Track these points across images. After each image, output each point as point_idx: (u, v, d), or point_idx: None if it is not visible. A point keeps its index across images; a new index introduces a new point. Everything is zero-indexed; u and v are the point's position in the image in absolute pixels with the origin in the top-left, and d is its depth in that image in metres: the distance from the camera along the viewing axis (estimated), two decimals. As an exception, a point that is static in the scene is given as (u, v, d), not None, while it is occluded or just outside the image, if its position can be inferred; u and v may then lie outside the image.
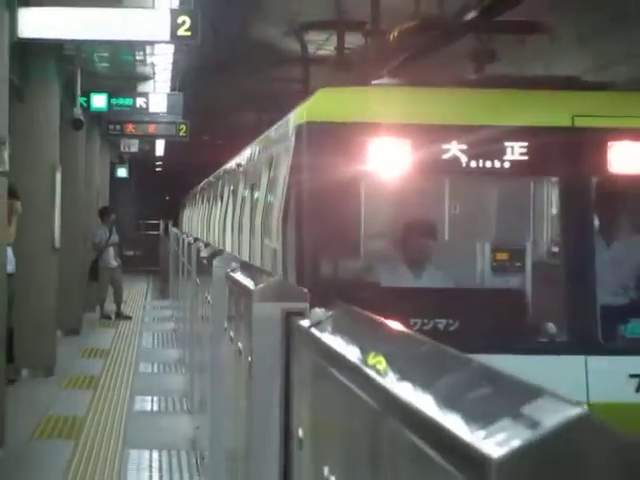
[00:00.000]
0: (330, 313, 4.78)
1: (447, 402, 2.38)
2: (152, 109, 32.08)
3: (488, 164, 13.57)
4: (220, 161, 32.65)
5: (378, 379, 2.97)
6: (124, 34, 17.45)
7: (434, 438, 2.24)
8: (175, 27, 16.71)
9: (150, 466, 13.54)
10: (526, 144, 13.60)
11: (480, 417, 2.09)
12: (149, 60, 24.90)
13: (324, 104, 14.58)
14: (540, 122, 13.92)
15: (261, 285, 6.33)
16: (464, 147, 13.26)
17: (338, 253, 14.04)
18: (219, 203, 30.06)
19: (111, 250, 32.58)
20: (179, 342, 22.54)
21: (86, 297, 29.96)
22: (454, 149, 13.27)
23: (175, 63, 26.44)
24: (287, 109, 20.91)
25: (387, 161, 13.41)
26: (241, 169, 25.62)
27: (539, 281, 14.66)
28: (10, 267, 16.13)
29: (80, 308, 28.43)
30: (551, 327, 13.79)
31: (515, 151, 13.57)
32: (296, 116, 14.73)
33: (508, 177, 14.88)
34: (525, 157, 13.67)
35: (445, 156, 13.32)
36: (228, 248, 24.97)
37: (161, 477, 13.00)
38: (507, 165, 13.60)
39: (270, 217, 16.11)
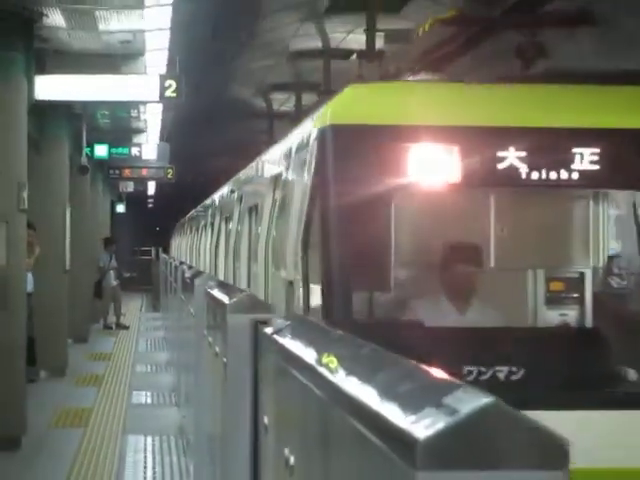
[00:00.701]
0: (289, 322, 4.78)
1: (383, 394, 2.37)
2: (145, 156, 32.15)
3: (553, 175, 9.91)
4: (201, 198, 32.64)
5: (328, 376, 2.97)
6: (121, 96, 17.55)
7: (373, 424, 2.23)
8: (163, 89, 16.69)
9: (145, 449, 13.49)
10: (599, 150, 10.01)
11: (409, 406, 2.09)
12: (142, 116, 24.88)
13: (353, 103, 10.59)
14: (616, 124, 10.32)
15: (234, 299, 6.31)
16: (523, 154, 9.71)
17: (373, 284, 10.21)
18: (204, 232, 29.53)
19: (112, 272, 32.57)
20: (168, 347, 22.40)
21: (92, 311, 29.85)
22: (512, 157, 9.69)
23: (163, 118, 26.42)
24: (255, 156, 20.74)
25: (430, 172, 9.65)
26: (234, 195, 21.32)
27: (611, 316, 11.19)
28: (30, 287, 16.09)
29: (87, 320, 28.23)
30: (632, 374, 9.83)
31: (585, 159, 9.99)
32: (317, 119, 10.68)
33: (576, 189, 11.16)
34: (597, 166, 10.03)
35: (500, 166, 9.69)
36: (221, 276, 20.85)
37: (154, 458, 12.96)
38: (575, 176, 9.97)
39: (282, 244, 11.66)
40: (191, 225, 35.16)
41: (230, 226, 21.14)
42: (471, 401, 1.95)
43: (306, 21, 20.14)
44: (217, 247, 23.51)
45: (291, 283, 10.22)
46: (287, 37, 21.69)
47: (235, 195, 20.74)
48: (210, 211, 27.24)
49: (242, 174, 20.56)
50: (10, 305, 13.68)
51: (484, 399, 1.92)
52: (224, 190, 24.36)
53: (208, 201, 29.25)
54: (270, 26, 20.67)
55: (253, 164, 18.38)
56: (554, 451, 1.85)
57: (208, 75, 23.12)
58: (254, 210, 15.99)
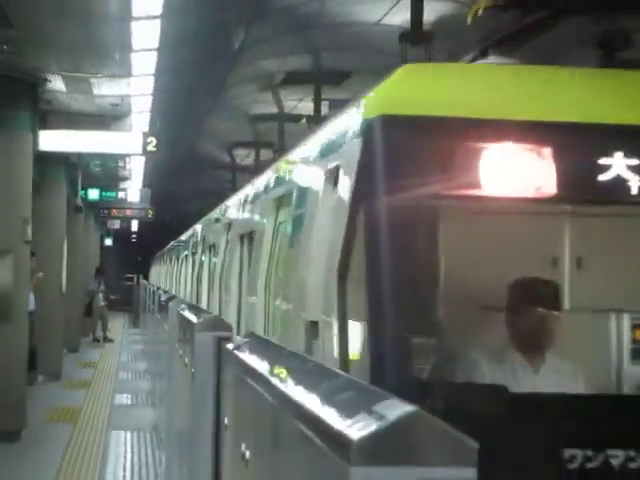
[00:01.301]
0: (246, 340, 4.76)
1: (323, 401, 2.36)
2: (129, 199, 32.20)
3: None
4: (175, 234, 32.56)
5: (278, 385, 2.95)
6: (111, 149, 17.53)
7: (314, 426, 2.22)
8: (145, 144, 16.65)
9: (125, 442, 13.44)
10: None
11: (345, 412, 2.08)
12: (127, 166, 24.91)
13: (409, 88, 6.96)
14: None
15: (200, 319, 6.29)
16: (635, 162, 6.20)
17: (432, 328, 6.92)
18: (178, 262, 29.14)
19: (100, 295, 32.46)
20: (146, 358, 22.19)
21: (83, 326, 29.75)
22: (619, 165, 6.24)
23: (145, 168, 26.37)
24: (221, 200, 20.60)
25: (512, 183, 6.25)
26: (219, 224, 17.00)
27: None
28: (31, 306, 16.00)
29: (79, 334, 28.02)
30: None
31: None
32: (362, 109, 7.01)
33: None
34: None
35: (603, 176, 6.22)
36: (191, 300, 18.65)
37: (133, 450, 12.93)
38: None
39: (296, 274, 7.94)
40: (166, 256, 35.03)
41: (207, 257, 18.96)
42: (397, 408, 1.96)
43: (264, 91, 20.16)
44: (192, 276, 21.31)
45: (314, 324, 6.56)
46: (248, 103, 21.71)
47: (220, 224, 16.85)
48: (183, 245, 27.03)
49: (231, 200, 16.57)
50: (14, 320, 13.62)
51: (408, 407, 1.92)
52: (197, 226, 24.12)
53: (182, 237, 29.13)
54: (234, 94, 20.67)
55: (248, 186, 14.62)
56: (465, 452, 1.84)
57: (182, 133, 23.12)
58: (246, 237, 12.58)
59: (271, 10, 13.90)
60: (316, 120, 16.54)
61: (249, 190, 13.77)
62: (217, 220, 17.58)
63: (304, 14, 14.17)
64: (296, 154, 9.62)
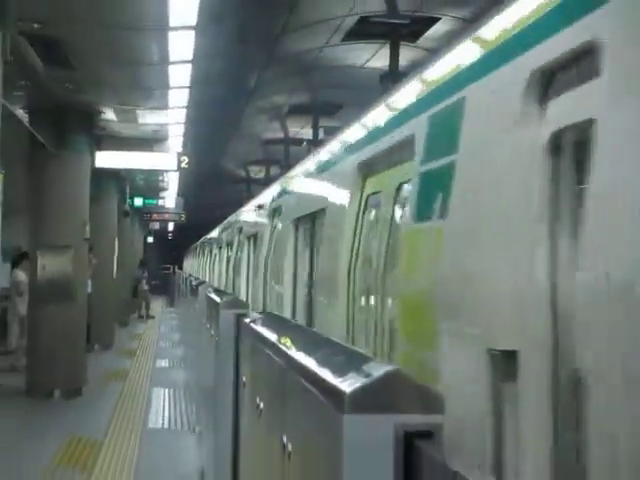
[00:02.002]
0: (260, 316, 4.75)
1: (322, 363, 2.35)
2: (166, 206, 32.29)
3: None
4: (202, 233, 32.68)
5: (284, 350, 2.94)
6: (152, 166, 17.50)
7: (315, 382, 2.22)
8: (179, 162, 16.61)
9: (164, 396, 13.41)
10: None
11: (339, 371, 2.08)
12: (165, 179, 24.82)
13: None
14: None
15: (224, 300, 6.28)
16: None
17: None
18: (206, 255, 29.03)
19: (144, 281, 32.45)
20: (180, 330, 22.18)
21: (130, 306, 29.78)
22: None
23: (179, 181, 26.31)
24: (239, 207, 20.58)
25: None
26: (261, 215, 12.89)
27: None
28: (89, 289, 15.99)
29: (127, 311, 28.07)
30: None
31: None
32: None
33: None
34: None
35: None
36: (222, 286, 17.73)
37: (169, 402, 12.93)
38: None
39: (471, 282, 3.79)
40: (196, 251, 35.12)
41: (229, 252, 17.80)
42: (380, 368, 1.95)
43: (273, 120, 20.18)
44: (222, 266, 19.89)
45: (508, 356, 3.22)
46: (260, 130, 21.70)
47: (264, 213, 12.59)
48: (210, 242, 27.05)
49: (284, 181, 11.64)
50: (76, 301, 13.62)
51: (389, 367, 1.92)
52: (218, 228, 24.13)
53: (208, 235, 29.22)
54: (249, 123, 20.68)
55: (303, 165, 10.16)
56: (434, 402, 1.84)
57: (208, 153, 23.08)
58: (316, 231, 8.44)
59: (280, 56, 13.91)
60: (314, 143, 16.53)
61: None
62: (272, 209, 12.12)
63: (305, 59, 14.18)
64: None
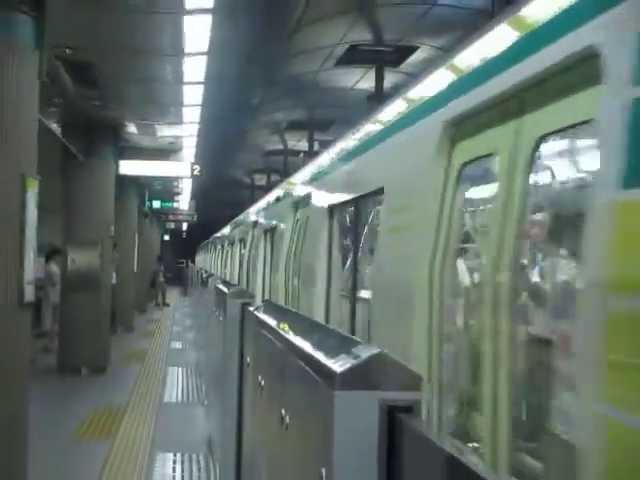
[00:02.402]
0: (262, 304, 4.74)
1: (316, 346, 2.35)
2: (181, 208, 32.39)
3: None
4: (212, 232, 32.68)
5: (283, 333, 2.94)
6: (168, 173, 17.59)
7: (311, 363, 2.21)
8: (192, 170, 16.63)
9: (177, 374, 13.43)
10: None
11: (332, 353, 2.07)
12: (180, 185, 24.80)
13: None
14: None
15: (230, 290, 6.27)
16: None
17: None
18: (215, 251, 28.91)
19: (160, 274, 32.41)
20: (192, 317, 22.15)
21: (149, 295, 29.76)
22: None
23: (192, 186, 26.27)
24: (245, 208, 20.60)
25: None
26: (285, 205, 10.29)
27: None
28: (113, 280, 16.00)
29: (145, 300, 28.04)
30: None
31: None
32: None
33: None
34: None
35: None
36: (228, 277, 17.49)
37: (182, 379, 12.94)
38: None
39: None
40: (207, 247, 35.07)
41: (240, 248, 16.72)
42: (367, 351, 1.95)
43: (273, 134, 20.17)
44: (235, 260, 18.73)
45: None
46: (262, 143, 21.69)
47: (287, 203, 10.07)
48: (218, 240, 27.01)
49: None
50: (102, 290, 13.61)
51: (374, 349, 1.92)
52: (228, 226, 24.05)
53: (216, 234, 29.24)
54: (253, 136, 20.68)
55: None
56: (414, 380, 1.84)
57: (217, 163, 23.06)
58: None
59: (280, 79, 13.92)
60: (310, 155, 16.53)
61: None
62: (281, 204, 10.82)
63: (302, 82, 14.17)
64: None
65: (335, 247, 6.99)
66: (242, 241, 16.01)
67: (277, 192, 12.10)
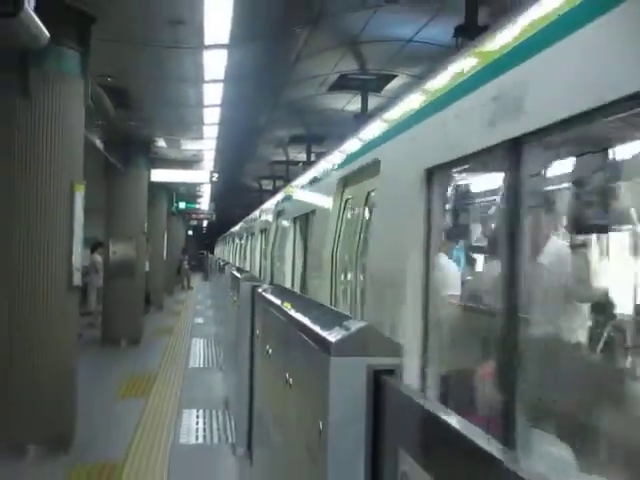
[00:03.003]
0: (269, 286, 4.73)
1: (314, 320, 2.34)
2: (202, 208, 32.01)
3: None
4: (228, 228, 32.61)
5: (286, 310, 2.92)
6: (191, 180, 17.58)
7: (310, 335, 2.20)
8: (211, 177, 16.60)
9: (199, 344, 13.37)
10: None
11: (327, 326, 2.06)
12: (201, 190, 24.77)
13: None
14: None
15: (243, 275, 6.26)
16: None
17: None
18: (230, 243, 28.81)
19: (185, 262, 32.33)
20: (212, 298, 22.13)
21: (175, 280, 29.65)
22: None
23: (211, 190, 26.21)
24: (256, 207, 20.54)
25: None
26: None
27: None
28: (147, 268, 15.95)
29: (173, 284, 27.94)
30: None
31: None
32: None
33: None
34: None
35: None
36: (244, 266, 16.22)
37: (204, 349, 12.90)
38: None
39: None
40: (223, 240, 35.02)
41: (258, 240, 15.54)
42: (356, 324, 1.94)
43: (277, 147, 20.15)
44: (252, 251, 17.49)
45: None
46: (268, 155, 21.63)
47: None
48: (234, 233, 26.94)
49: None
50: (137, 276, 13.58)
51: (362, 323, 1.91)
52: (240, 223, 24.04)
53: (232, 229, 29.18)
54: (261, 149, 20.63)
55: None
56: (395, 348, 1.83)
57: (232, 171, 23.03)
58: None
59: (283, 101, 13.91)
60: (307, 164, 16.52)
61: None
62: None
63: (301, 104, 14.17)
64: None
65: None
66: (269, 231, 13.60)
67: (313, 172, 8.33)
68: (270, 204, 13.92)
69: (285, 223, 9.99)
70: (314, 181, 7.67)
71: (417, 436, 1.55)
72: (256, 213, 17.54)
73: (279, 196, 12.31)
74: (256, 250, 15.12)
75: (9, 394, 6.14)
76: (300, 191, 8.76)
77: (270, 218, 12.67)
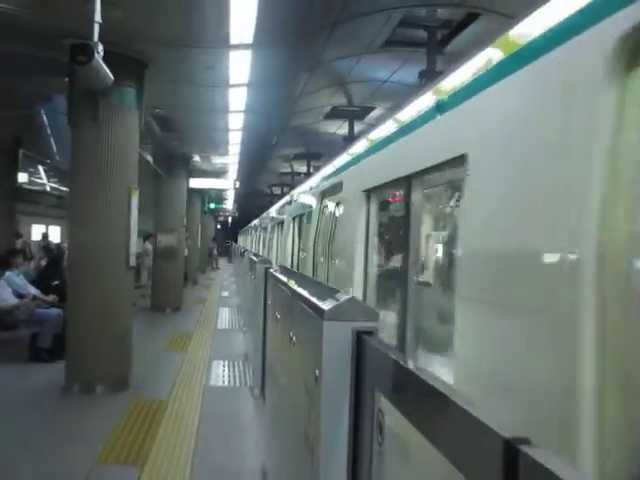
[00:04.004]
0: (278, 267, 4.73)
1: (312, 293, 2.35)
2: (227, 208, 31.67)
3: None
4: (247, 222, 32.36)
5: (291, 286, 2.93)
6: (219, 186, 17.42)
7: (308, 304, 2.21)
8: (234, 184, 16.53)
9: (225, 312, 13.26)
10: None
11: (322, 298, 2.07)
12: (227, 194, 24.61)
13: None
14: None
15: (258, 259, 6.25)
16: None
17: None
18: (251, 235, 28.54)
19: (214, 249, 32.16)
20: (235, 276, 22.05)
21: (207, 262, 29.40)
22: None
23: (234, 194, 26.06)
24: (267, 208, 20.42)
25: None
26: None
27: None
28: (185, 253, 15.89)
29: (205, 265, 27.73)
30: None
31: None
32: None
33: None
34: None
35: None
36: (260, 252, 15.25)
37: (229, 316, 12.79)
38: None
39: None
40: (245, 232, 34.77)
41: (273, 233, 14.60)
42: (343, 296, 1.94)
43: (284, 162, 20.07)
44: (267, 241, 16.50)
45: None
46: (277, 167, 21.55)
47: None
48: (255, 226, 26.77)
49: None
50: (177, 259, 13.53)
51: (349, 295, 1.91)
52: (255, 220, 23.81)
53: (250, 224, 28.98)
54: (272, 163, 20.54)
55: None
56: (373, 314, 1.84)
57: (250, 179, 22.92)
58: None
59: (288, 128, 13.86)
60: (307, 175, 16.48)
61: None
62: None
63: (302, 130, 14.13)
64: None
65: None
66: (275, 226, 13.14)
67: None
68: (275, 208, 14.13)
69: (288, 219, 10.25)
70: (304, 193, 8.39)
71: (388, 380, 1.58)
72: (267, 212, 17.51)
73: (282, 202, 12.79)
74: (267, 239, 15.11)
75: (83, 348, 6.17)
76: (297, 199, 9.46)
77: (277, 217, 12.73)
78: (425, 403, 1.24)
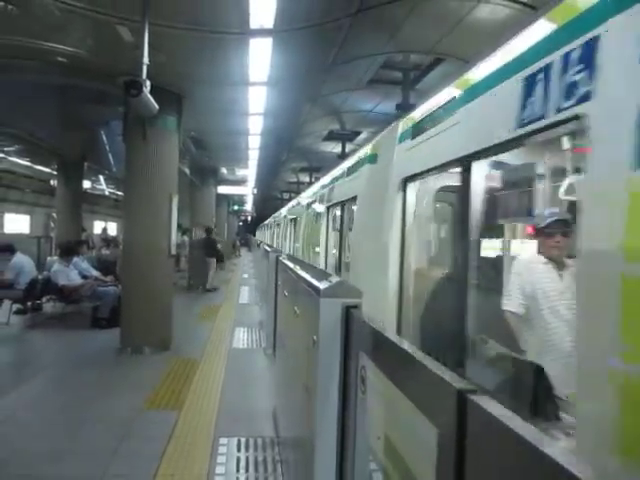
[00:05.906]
0: (286, 255, 4.71)
1: (312, 276, 2.35)
2: (247, 209, 31.65)
3: None
4: (264, 220, 32.09)
5: (297, 271, 2.92)
6: (241, 192, 17.41)
7: (308, 284, 2.21)
8: (252, 191, 16.49)
9: (245, 291, 13.14)
10: None
11: (320, 279, 2.07)
12: (247, 198, 24.50)
13: None
14: None
15: (271, 249, 6.24)
16: None
17: None
18: (266, 230, 28.13)
19: (237, 241, 31.92)
20: (253, 262, 21.95)
21: (232, 251, 28.83)
22: None
23: (253, 198, 25.94)
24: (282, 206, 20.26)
25: None
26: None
27: None
28: (219, 246, 15.64)
29: (230, 254, 27.09)
30: None
31: None
32: None
33: None
34: None
35: None
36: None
37: (248, 293, 12.63)
38: None
39: None
40: (261, 228, 34.57)
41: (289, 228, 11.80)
42: (335, 278, 1.94)
43: (292, 174, 19.97)
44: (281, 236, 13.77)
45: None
46: (286, 177, 21.46)
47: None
48: (268, 223, 26.55)
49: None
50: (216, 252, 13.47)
51: (339, 278, 1.91)
52: (269, 219, 23.56)
53: (266, 221, 28.77)
54: (281, 175, 20.47)
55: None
56: (357, 292, 1.84)
57: (264, 187, 22.81)
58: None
59: (295, 147, 13.81)
60: (309, 184, 16.44)
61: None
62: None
63: (306, 148, 14.07)
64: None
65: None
66: (287, 223, 11.64)
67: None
68: (283, 212, 14.17)
69: (296, 219, 10.22)
70: (304, 199, 8.76)
71: (369, 344, 1.58)
72: (278, 213, 17.40)
73: (289, 205, 13.10)
74: (280, 234, 14.98)
75: (134, 318, 6.18)
76: (298, 204, 9.65)
77: (283, 217, 12.73)
78: (397, 361, 1.26)
